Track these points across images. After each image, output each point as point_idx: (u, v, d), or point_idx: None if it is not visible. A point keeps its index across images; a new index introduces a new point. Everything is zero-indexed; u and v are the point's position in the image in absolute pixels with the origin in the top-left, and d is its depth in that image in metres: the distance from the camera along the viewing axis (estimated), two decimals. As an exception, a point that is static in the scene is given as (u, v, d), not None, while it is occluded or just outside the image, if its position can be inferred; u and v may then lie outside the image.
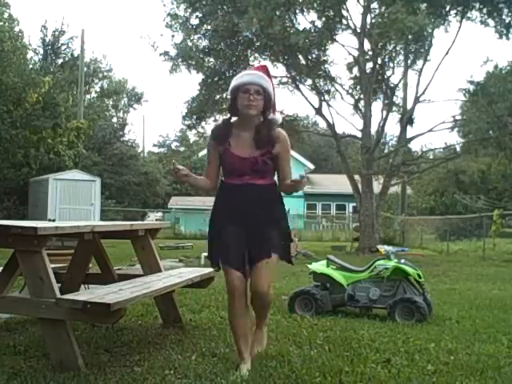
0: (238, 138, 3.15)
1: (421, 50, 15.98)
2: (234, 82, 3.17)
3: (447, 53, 16.22)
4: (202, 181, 3.28)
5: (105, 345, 3.65)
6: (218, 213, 3.23)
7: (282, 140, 3.19)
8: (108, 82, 42.67)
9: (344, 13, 16.00)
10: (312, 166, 37.22)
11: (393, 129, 74.88)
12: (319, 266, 5.52)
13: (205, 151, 42.63)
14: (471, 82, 16.26)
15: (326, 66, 17.28)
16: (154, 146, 54.09)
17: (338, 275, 5.39)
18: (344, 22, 16.18)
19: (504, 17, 15.47)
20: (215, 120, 19.09)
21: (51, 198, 18.18)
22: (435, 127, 16.88)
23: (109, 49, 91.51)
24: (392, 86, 17.26)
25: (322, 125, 32.12)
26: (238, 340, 3.19)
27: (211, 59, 17.31)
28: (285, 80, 17.89)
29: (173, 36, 16.95)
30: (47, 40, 31.08)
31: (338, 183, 30.73)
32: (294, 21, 16.24)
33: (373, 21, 15.89)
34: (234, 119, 3.23)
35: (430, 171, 25.95)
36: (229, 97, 3.20)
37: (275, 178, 3.26)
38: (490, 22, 15.63)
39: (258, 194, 3.14)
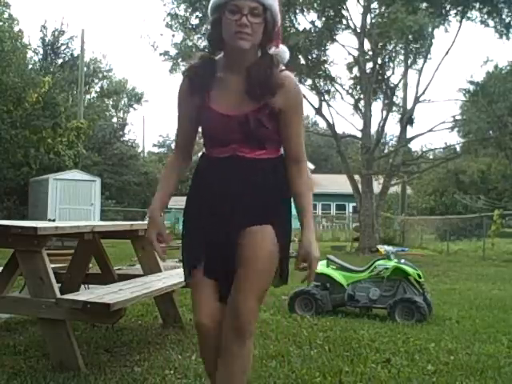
0: (221, 86, 2.03)
1: (421, 50, 15.98)
2: None
3: (447, 53, 16.24)
4: (171, 180, 2.20)
5: (105, 345, 3.65)
6: (190, 203, 2.16)
7: (288, 89, 2.01)
8: (108, 82, 42.67)
9: (344, 13, 16.02)
10: (312, 166, 37.20)
11: (393, 129, 74.98)
12: (319, 266, 5.50)
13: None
14: (471, 82, 16.29)
15: (326, 65, 17.29)
16: (154, 146, 54.21)
17: (338, 275, 5.39)
18: (344, 21, 16.19)
19: (504, 17, 15.47)
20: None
21: (51, 197, 18.17)
22: (435, 127, 16.90)
23: (109, 49, 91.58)
24: (392, 85, 17.27)
25: (322, 125, 32.19)
26: None
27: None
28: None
29: (173, 36, 16.97)
30: (47, 40, 31.08)
31: (338, 183, 30.72)
32: (294, 21, 16.26)
33: (373, 21, 15.90)
34: (217, 56, 2.09)
35: (430, 171, 25.94)
36: (209, 22, 2.05)
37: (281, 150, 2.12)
38: (490, 21, 15.66)
39: (247, 174, 2.02)
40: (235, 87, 2.01)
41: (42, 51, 30.95)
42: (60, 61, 31.40)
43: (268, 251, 2.01)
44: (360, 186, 16.89)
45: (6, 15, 20.68)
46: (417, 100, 16.68)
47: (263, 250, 2.00)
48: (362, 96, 17.01)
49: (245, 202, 2.02)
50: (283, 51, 2.18)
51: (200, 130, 2.16)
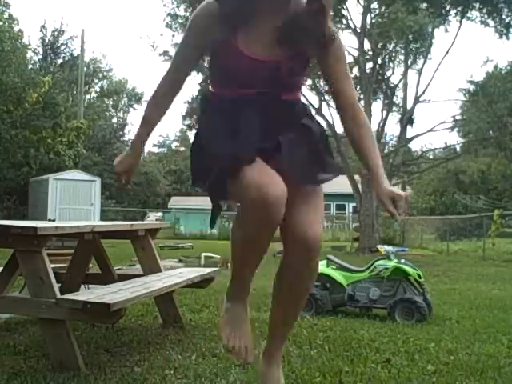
0: (252, 26, 1.78)
1: (421, 50, 15.99)
2: None
3: (447, 53, 16.27)
4: (162, 100, 2.01)
5: (105, 345, 3.65)
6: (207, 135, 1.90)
7: (339, 46, 1.89)
8: (108, 82, 42.68)
9: (344, 12, 16.02)
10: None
11: (393, 129, 75.00)
12: (319, 266, 5.52)
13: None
14: (471, 82, 16.32)
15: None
16: (154, 146, 54.17)
17: (337, 275, 5.40)
18: (344, 21, 16.19)
19: (504, 17, 15.50)
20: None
21: (51, 197, 18.17)
22: (435, 127, 16.94)
23: (109, 49, 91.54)
24: (392, 85, 17.30)
25: (322, 125, 32.13)
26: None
27: (211, 59, 17.30)
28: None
29: (173, 36, 17.07)
30: (47, 40, 31.10)
31: (338, 183, 30.56)
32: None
33: (373, 21, 15.90)
34: None
35: (430, 171, 25.96)
36: None
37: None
38: (490, 21, 15.69)
39: (280, 111, 1.84)
40: (269, 30, 1.76)
41: (41, 51, 30.99)
42: (60, 61, 31.41)
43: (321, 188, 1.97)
44: (360, 186, 16.90)
45: (6, 15, 20.68)
46: (417, 100, 16.70)
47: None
48: (361, 96, 17.01)
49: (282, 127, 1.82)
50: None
51: (208, 64, 1.90)
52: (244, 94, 1.79)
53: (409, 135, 17.45)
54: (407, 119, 16.81)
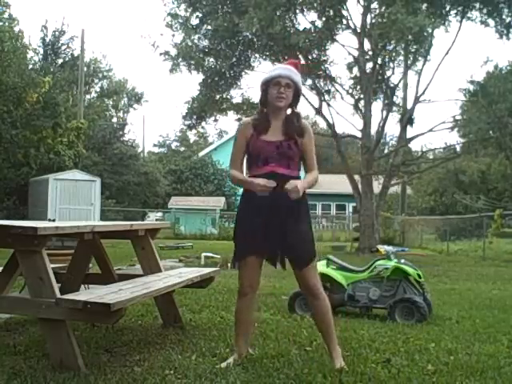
0: (266, 127, 3.29)
1: (421, 50, 15.98)
2: (266, 75, 3.32)
3: (447, 53, 16.25)
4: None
5: (105, 345, 3.65)
6: (242, 210, 3.32)
7: (309, 131, 3.34)
8: (108, 82, 42.66)
9: (344, 13, 16.02)
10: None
11: (393, 129, 74.98)
12: (319, 266, 5.51)
13: (205, 151, 42.11)
14: (471, 82, 16.28)
15: (326, 65, 17.30)
16: (154, 146, 54.14)
17: (338, 275, 5.40)
18: (344, 21, 16.19)
19: (504, 17, 15.49)
20: (215, 120, 19.14)
21: (51, 197, 18.17)
22: (435, 127, 16.90)
23: (109, 49, 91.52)
24: (392, 86, 17.28)
25: (322, 125, 32.12)
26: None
27: (211, 59, 17.31)
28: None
29: (173, 36, 16.99)
30: (47, 40, 31.03)
31: (338, 183, 30.72)
32: (295, 21, 16.26)
33: (373, 21, 15.90)
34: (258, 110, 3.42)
35: (430, 171, 25.96)
36: (260, 89, 3.31)
37: (301, 174, 3.27)
38: (490, 21, 15.67)
39: (281, 185, 3.11)
40: (276, 128, 3.26)
41: (42, 51, 30.90)
42: (60, 61, 31.36)
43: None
44: (360, 186, 16.90)
45: (6, 15, 20.68)
46: (417, 100, 16.69)
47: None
48: (362, 96, 17.02)
49: (281, 200, 3.14)
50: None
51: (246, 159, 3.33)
52: (259, 172, 3.18)
53: (409, 135, 17.46)
54: (407, 119, 16.80)
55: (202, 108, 18.00)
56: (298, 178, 3.24)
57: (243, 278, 3.29)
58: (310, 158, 3.33)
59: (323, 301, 3.27)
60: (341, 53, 42.47)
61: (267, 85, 3.25)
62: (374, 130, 17.70)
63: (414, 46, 15.75)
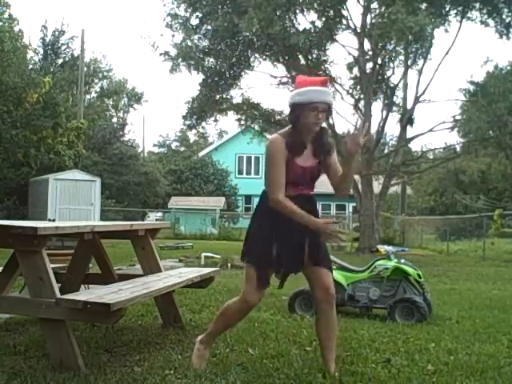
0: (299, 149, 3.16)
1: (421, 50, 15.98)
2: (299, 96, 3.07)
3: (447, 53, 16.25)
4: None
5: (105, 345, 3.65)
6: (264, 227, 3.16)
7: (333, 146, 3.29)
8: (108, 82, 42.65)
9: (344, 13, 16.02)
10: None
11: (393, 129, 74.97)
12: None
13: (205, 151, 41.98)
14: (471, 82, 16.28)
15: (326, 65, 17.30)
16: (154, 145, 54.13)
17: (337, 275, 5.39)
18: (344, 21, 16.19)
19: (504, 17, 15.48)
20: (215, 120, 19.14)
21: (51, 198, 18.17)
22: (435, 127, 16.90)
23: (109, 49, 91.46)
24: (392, 85, 17.27)
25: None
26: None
27: (211, 59, 17.31)
28: (285, 80, 17.91)
29: (173, 36, 16.98)
30: (47, 40, 31.03)
31: (338, 183, 30.62)
32: (294, 21, 16.26)
33: (373, 21, 15.89)
34: (288, 128, 3.17)
35: (430, 171, 25.96)
36: (291, 111, 3.12)
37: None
38: (490, 21, 15.66)
39: (311, 205, 3.17)
40: (307, 150, 3.13)
41: (42, 51, 30.90)
42: (60, 61, 31.35)
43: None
44: (360, 186, 16.89)
45: (6, 15, 20.68)
46: (417, 100, 16.68)
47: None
48: (362, 96, 17.01)
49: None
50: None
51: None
52: (292, 193, 3.07)
53: (409, 135, 17.45)
54: (407, 119, 16.80)
55: (202, 108, 17.99)
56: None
57: (258, 289, 3.15)
58: (337, 167, 3.25)
59: (333, 309, 3.24)
60: (341, 53, 42.51)
61: (301, 108, 3.04)
62: (374, 130, 17.69)
63: (415, 46, 15.76)
